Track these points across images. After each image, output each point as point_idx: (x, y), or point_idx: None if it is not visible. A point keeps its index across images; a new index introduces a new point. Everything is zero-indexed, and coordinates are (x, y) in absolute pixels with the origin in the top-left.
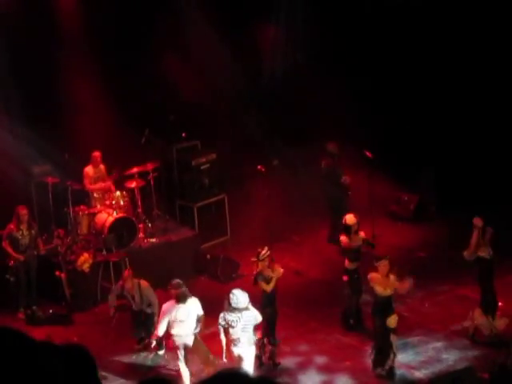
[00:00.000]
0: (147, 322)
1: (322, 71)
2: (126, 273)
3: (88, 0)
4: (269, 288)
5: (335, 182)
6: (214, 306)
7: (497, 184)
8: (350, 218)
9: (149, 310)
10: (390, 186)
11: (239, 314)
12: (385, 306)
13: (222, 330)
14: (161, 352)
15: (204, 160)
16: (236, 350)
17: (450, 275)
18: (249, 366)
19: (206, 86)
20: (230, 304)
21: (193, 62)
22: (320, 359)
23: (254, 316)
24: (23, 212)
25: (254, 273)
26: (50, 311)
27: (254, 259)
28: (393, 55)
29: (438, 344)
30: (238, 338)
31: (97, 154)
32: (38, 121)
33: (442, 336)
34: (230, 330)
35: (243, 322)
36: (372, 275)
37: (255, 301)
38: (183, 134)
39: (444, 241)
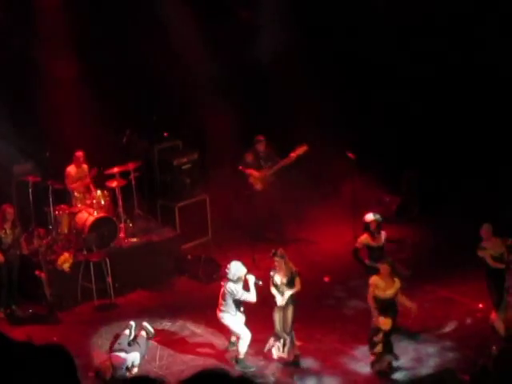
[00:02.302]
0: None
1: (305, 70)
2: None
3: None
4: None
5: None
6: (195, 306)
7: (479, 185)
8: (368, 216)
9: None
10: (373, 187)
11: (225, 283)
12: (386, 307)
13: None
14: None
15: (186, 160)
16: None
17: (432, 277)
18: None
19: (189, 83)
20: None
21: (175, 59)
22: (301, 360)
23: (235, 289)
24: (10, 210)
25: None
26: (30, 311)
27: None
28: (377, 56)
29: (419, 346)
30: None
31: (80, 153)
32: (18, 119)
33: (424, 337)
34: None
35: (225, 289)
36: (372, 279)
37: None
38: (165, 134)
39: (426, 242)
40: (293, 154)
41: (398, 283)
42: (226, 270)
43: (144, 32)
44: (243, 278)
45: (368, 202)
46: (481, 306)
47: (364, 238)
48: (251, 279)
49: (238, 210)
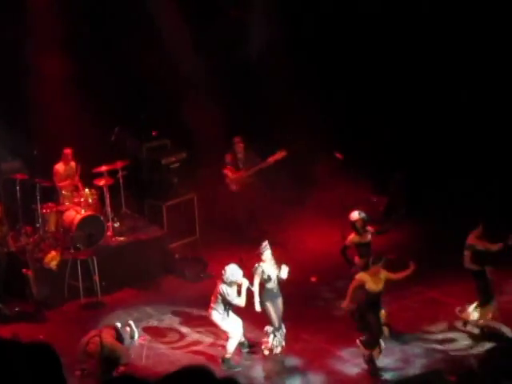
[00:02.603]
0: None
1: (293, 70)
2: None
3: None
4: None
5: None
6: (182, 305)
7: (466, 186)
8: (353, 215)
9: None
10: (360, 188)
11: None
12: (376, 301)
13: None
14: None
15: (174, 159)
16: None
17: (419, 277)
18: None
19: (177, 82)
20: None
21: (163, 58)
22: (288, 360)
23: (227, 292)
24: None
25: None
26: (16, 309)
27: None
28: (366, 56)
29: (406, 347)
30: None
31: (68, 151)
32: (6, 117)
33: (411, 338)
34: None
35: (218, 289)
36: (360, 275)
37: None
38: (153, 133)
39: (413, 243)
40: (271, 159)
41: (383, 274)
42: (223, 271)
43: (133, 31)
44: (237, 282)
45: (355, 202)
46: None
47: (352, 237)
48: (244, 284)
49: (217, 210)
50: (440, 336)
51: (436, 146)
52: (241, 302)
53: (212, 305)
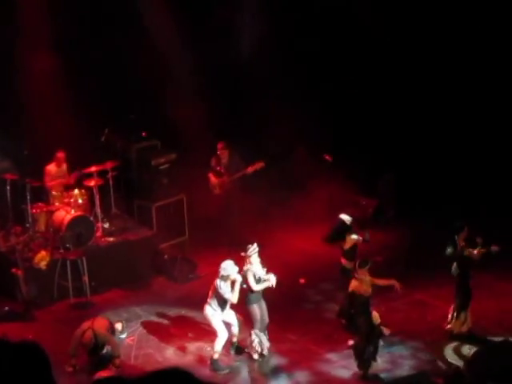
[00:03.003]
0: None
1: (281, 72)
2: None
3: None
4: (257, 287)
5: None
6: (171, 305)
7: (455, 189)
8: (345, 218)
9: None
10: (349, 190)
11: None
12: (366, 305)
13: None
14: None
15: (163, 160)
16: None
17: (407, 280)
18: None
19: (167, 83)
20: None
21: (154, 59)
22: (275, 361)
23: (220, 286)
24: None
25: (244, 268)
26: (6, 308)
27: (243, 254)
28: (355, 60)
29: (394, 349)
30: None
31: (61, 154)
32: None
33: (398, 341)
34: None
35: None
36: (352, 284)
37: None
38: (143, 134)
39: (402, 245)
40: (250, 169)
41: (368, 278)
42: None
43: (123, 32)
44: (232, 277)
45: (344, 204)
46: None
47: (349, 239)
48: (238, 280)
49: (206, 211)
50: (427, 337)
51: (425, 148)
52: (232, 297)
53: (208, 299)
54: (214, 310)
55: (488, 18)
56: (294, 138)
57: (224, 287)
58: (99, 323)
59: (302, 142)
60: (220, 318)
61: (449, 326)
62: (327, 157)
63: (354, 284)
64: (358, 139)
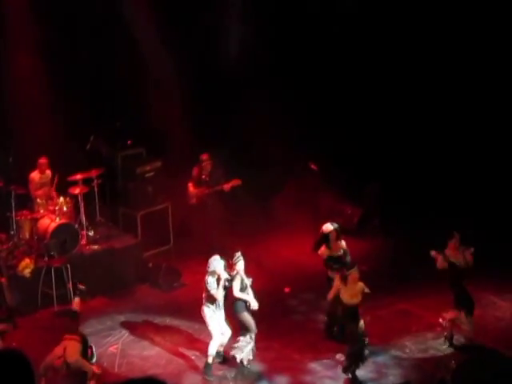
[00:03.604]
0: None
1: (269, 82)
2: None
3: (36, 5)
4: (238, 294)
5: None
6: (156, 314)
7: (440, 198)
8: (326, 227)
9: None
10: (335, 199)
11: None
12: (354, 313)
13: None
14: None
15: (149, 168)
16: None
17: (392, 289)
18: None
19: (153, 91)
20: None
21: (141, 65)
22: (260, 370)
23: (207, 281)
24: None
25: (232, 273)
26: None
27: (230, 261)
28: (341, 69)
29: (378, 358)
30: None
31: (43, 160)
32: None
33: (382, 350)
34: None
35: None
36: (334, 287)
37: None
38: (129, 142)
39: (387, 255)
40: (226, 186)
41: (360, 285)
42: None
43: (108, 40)
44: (217, 272)
45: (330, 213)
46: (440, 320)
47: (323, 250)
48: (223, 277)
49: (191, 219)
50: (412, 347)
51: (410, 156)
52: (217, 293)
53: (203, 300)
54: (213, 311)
55: (483, 19)
56: (282, 147)
57: (211, 282)
58: (71, 350)
59: (289, 151)
60: (217, 321)
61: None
62: (313, 165)
63: (338, 284)
64: (343, 148)
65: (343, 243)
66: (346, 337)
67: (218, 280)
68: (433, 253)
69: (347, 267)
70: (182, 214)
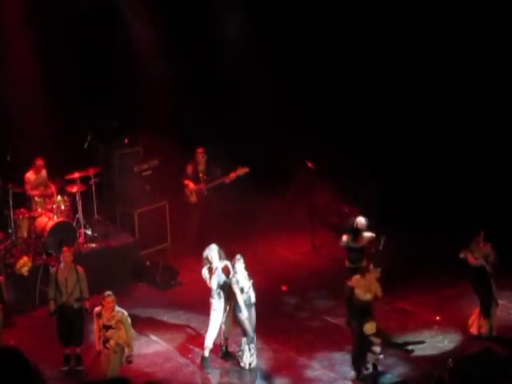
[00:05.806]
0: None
1: (264, 80)
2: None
3: (34, 6)
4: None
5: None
6: (153, 312)
7: (437, 197)
8: (360, 222)
9: (75, 305)
10: (332, 198)
11: None
12: (363, 310)
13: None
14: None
15: (146, 166)
16: None
17: (388, 288)
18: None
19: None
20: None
21: (138, 64)
22: (258, 368)
23: (203, 271)
24: None
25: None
26: None
27: (229, 262)
28: (341, 69)
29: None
30: None
31: (40, 162)
32: None
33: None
34: None
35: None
36: (354, 277)
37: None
38: (126, 140)
39: (383, 253)
40: (233, 174)
41: (375, 285)
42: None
43: (106, 38)
44: (209, 260)
45: (326, 211)
46: (438, 318)
47: (346, 238)
48: (214, 266)
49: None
50: (409, 346)
51: (407, 155)
52: (210, 281)
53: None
54: (214, 297)
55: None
56: (279, 146)
57: (205, 272)
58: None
59: (286, 150)
60: (220, 314)
61: (471, 330)
62: (309, 164)
63: (355, 279)
64: (340, 146)
65: (366, 237)
66: (352, 334)
67: (211, 270)
68: (462, 254)
69: (374, 263)
70: (179, 212)
